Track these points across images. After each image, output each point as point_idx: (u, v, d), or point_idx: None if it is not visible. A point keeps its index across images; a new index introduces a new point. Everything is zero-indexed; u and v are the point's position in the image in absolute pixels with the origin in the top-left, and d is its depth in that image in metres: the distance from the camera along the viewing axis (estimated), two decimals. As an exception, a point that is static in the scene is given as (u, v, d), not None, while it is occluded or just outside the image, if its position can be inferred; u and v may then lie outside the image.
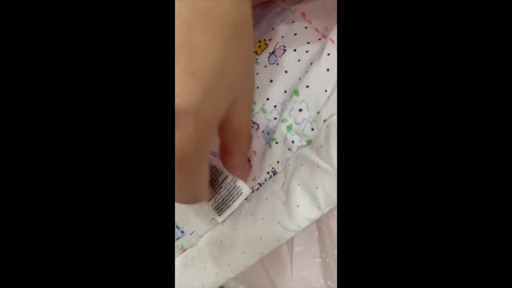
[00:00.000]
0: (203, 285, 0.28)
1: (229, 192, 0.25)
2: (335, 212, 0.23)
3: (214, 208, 0.26)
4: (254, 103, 0.25)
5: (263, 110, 0.25)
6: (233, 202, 0.25)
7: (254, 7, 0.30)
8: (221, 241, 0.27)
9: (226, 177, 0.25)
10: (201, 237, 0.29)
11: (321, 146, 0.22)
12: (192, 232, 0.29)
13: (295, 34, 0.25)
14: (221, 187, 0.25)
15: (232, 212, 0.27)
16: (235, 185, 0.25)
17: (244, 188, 0.24)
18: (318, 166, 0.21)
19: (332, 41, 0.23)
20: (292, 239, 0.26)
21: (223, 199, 0.26)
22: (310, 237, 0.25)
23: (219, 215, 0.26)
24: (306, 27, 0.25)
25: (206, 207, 0.28)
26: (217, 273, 0.27)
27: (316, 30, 0.25)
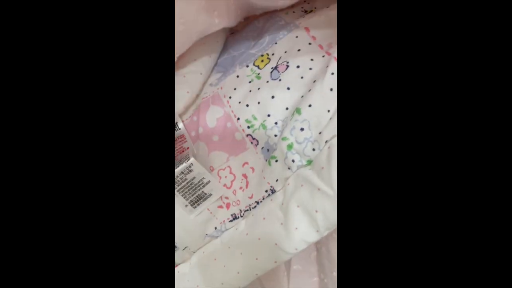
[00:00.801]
0: None
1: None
2: (335, 235, 0.23)
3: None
4: (255, 118, 0.25)
5: (263, 126, 0.24)
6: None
7: (257, 19, 0.30)
8: (215, 259, 0.26)
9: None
10: (194, 252, 0.28)
11: (322, 168, 0.21)
12: (185, 248, 0.28)
13: (299, 50, 0.25)
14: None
15: (227, 229, 0.26)
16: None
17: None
18: (318, 189, 0.21)
19: (336, 60, 0.22)
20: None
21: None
22: (308, 256, 0.25)
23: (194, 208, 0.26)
24: (310, 43, 0.25)
25: (198, 223, 0.27)
26: None
27: (320, 46, 0.24)
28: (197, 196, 0.25)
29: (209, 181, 0.25)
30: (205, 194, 0.25)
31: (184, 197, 0.25)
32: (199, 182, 0.25)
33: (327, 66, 0.22)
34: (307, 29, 0.25)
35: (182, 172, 0.24)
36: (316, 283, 0.26)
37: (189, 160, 0.24)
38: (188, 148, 0.26)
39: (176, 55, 0.26)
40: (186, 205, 0.26)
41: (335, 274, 0.23)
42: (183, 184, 0.25)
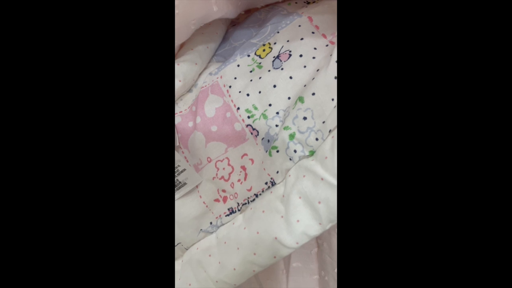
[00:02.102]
0: None
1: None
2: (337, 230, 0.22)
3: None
4: (256, 108, 0.24)
5: (264, 116, 0.23)
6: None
7: (259, 10, 0.29)
8: (209, 255, 0.25)
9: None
10: (187, 249, 0.27)
11: (326, 157, 0.20)
12: (178, 244, 0.27)
13: (302, 39, 0.24)
14: None
15: (223, 224, 0.25)
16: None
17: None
18: (322, 179, 0.20)
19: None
20: (289, 254, 0.24)
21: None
22: (309, 253, 0.24)
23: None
24: (313, 32, 0.24)
25: (192, 217, 0.26)
26: None
27: (324, 36, 0.24)
28: None
29: (184, 169, 0.24)
30: (179, 182, 0.24)
31: None
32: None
33: (331, 55, 0.22)
34: (310, 18, 0.25)
35: None
36: (316, 281, 0.25)
37: None
38: None
39: (178, 43, 0.26)
40: None
41: (336, 270, 0.22)
42: None
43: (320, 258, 0.24)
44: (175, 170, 0.24)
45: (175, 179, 0.24)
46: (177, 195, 0.25)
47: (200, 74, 0.27)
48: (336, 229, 0.22)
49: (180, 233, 0.26)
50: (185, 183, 0.24)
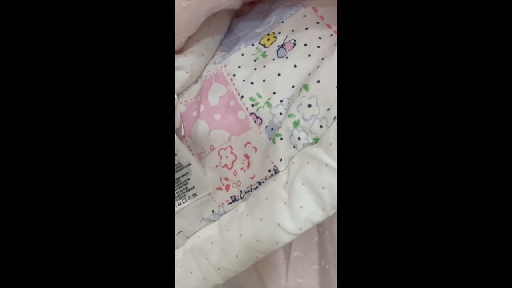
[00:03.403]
0: None
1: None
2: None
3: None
4: (260, 96, 0.24)
5: (268, 104, 0.24)
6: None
7: (263, 1, 0.30)
8: (211, 243, 0.25)
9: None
10: (188, 238, 0.27)
11: (330, 144, 0.20)
12: (179, 232, 0.27)
13: (306, 28, 0.24)
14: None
15: (225, 212, 0.25)
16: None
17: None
18: (326, 165, 0.20)
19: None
20: (290, 243, 0.24)
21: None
22: (310, 242, 0.24)
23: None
24: (317, 22, 0.24)
25: (194, 206, 0.26)
26: (204, 278, 0.25)
27: (328, 26, 0.24)
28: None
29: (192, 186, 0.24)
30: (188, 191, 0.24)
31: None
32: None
33: (335, 44, 0.22)
34: (314, 9, 0.25)
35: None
36: (316, 271, 0.25)
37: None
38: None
39: (185, 35, 0.26)
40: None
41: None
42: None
43: (321, 247, 0.24)
44: (184, 183, 0.24)
45: (185, 187, 0.24)
46: (187, 203, 0.25)
47: (206, 65, 0.27)
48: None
49: (182, 222, 0.26)
50: (195, 194, 0.24)
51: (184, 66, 0.26)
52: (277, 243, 0.22)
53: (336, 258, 0.22)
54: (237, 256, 0.23)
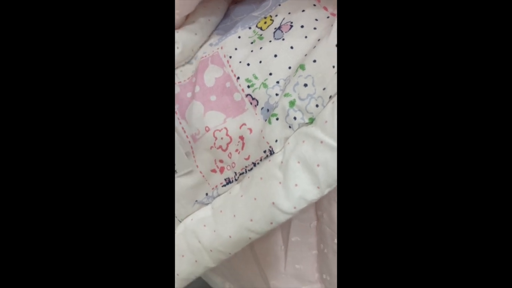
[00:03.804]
0: (177, 274, 0.25)
1: None
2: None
3: None
4: (256, 77, 0.24)
5: (264, 85, 0.23)
6: None
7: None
8: (204, 225, 0.24)
9: None
10: (181, 221, 0.26)
11: (326, 121, 0.20)
12: None
13: (303, 11, 0.24)
14: None
15: (219, 195, 0.25)
16: None
17: None
18: (321, 142, 0.20)
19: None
20: (288, 228, 0.24)
21: None
22: (308, 226, 0.23)
23: None
24: (314, 5, 0.24)
25: (187, 188, 0.26)
26: (195, 261, 0.25)
27: (325, 8, 0.24)
28: None
29: None
30: None
31: None
32: None
33: (332, 25, 0.22)
34: (312, -8, 0.25)
35: None
36: (315, 257, 0.24)
37: None
38: None
39: (179, 12, 0.26)
40: None
41: (336, 241, 0.22)
42: None
43: (320, 231, 0.23)
44: None
45: None
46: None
47: (200, 47, 0.27)
48: (336, 199, 0.22)
49: (175, 205, 0.26)
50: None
51: (176, 41, 0.26)
52: (271, 223, 0.22)
53: (334, 241, 0.22)
54: (230, 237, 0.23)
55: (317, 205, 0.23)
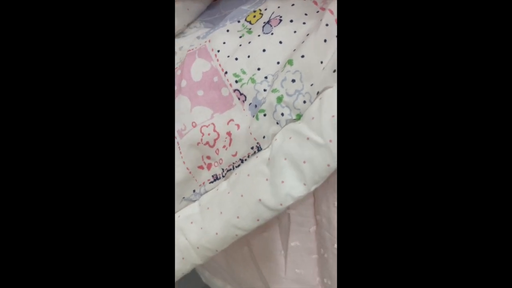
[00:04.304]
0: None
1: None
2: (336, 203, 0.21)
3: None
4: (244, 72, 0.23)
5: (252, 80, 0.23)
6: None
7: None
8: (191, 222, 0.24)
9: None
10: None
11: (312, 118, 0.20)
12: None
13: (293, 5, 0.24)
14: None
15: (206, 192, 0.25)
16: None
17: None
18: (308, 138, 0.20)
19: (331, 12, 0.21)
20: (287, 233, 0.24)
21: None
22: (307, 231, 0.23)
23: None
24: (304, -1, 0.24)
25: (176, 186, 0.25)
26: (182, 258, 0.24)
27: (315, 2, 0.24)
28: None
29: None
30: None
31: None
32: None
33: (321, 20, 0.22)
34: (302, -14, 0.25)
35: None
36: (315, 261, 0.24)
37: None
38: None
39: None
40: None
41: (336, 246, 0.22)
42: None
43: (319, 236, 0.23)
44: None
45: None
46: None
47: (176, 35, 0.27)
48: (335, 203, 0.22)
49: None
50: None
51: None
52: (258, 220, 0.21)
53: (334, 246, 0.22)
54: (216, 234, 0.22)
55: (316, 209, 0.23)
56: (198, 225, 0.23)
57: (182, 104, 0.24)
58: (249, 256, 0.26)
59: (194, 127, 0.24)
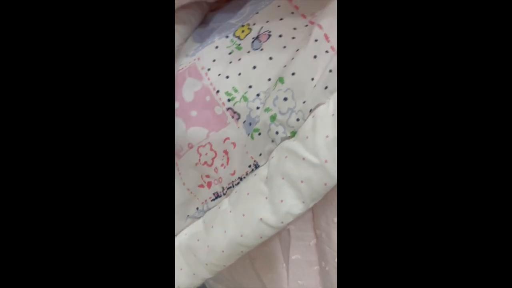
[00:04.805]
0: (178, 286, 0.26)
1: None
2: (335, 220, 0.22)
3: None
4: (236, 90, 0.23)
5: (245, 98, 0.23)
6: None
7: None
8: (198, 240, 0.25)
9: None
10: (176, 235, 0.27)
11: (307, 137, 0.20)
12: None
13: (281, 19, 0.24)
14: None
15: (210, 209, 0.25)
16: None
17: None
18: (303, 159, 0.20)
19: (320, 27, 0.21)
20: (288, 247, 0.24)
21: None
22: (308, 245, 0.24)
23: None
24: (292, 12, 0.24)
25: (178, 204, 0.26)
26: (193, 274, 0.25)
27: (303, 16, 0.23)
28: None
29: None
30: None
31: None
32: None
33: (310, 34, 0.22)
34: (289, -2, 0.24)
35: None
36: (317, 272, 0.24)
37: None
38: None
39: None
40: None
41: (337, 260, 0.22)
42: None
43: (320, 249, 0.23)
44: None
45: None
46: None
47: (177, 57, 0.27)
48: (334, 219, 0.22)
49: None
50: None
51: None
52: (261, 237, 0.22)
53: (335, 260, 0.22)
54: (223, 251, 0.23)
55: (315, 224, 0.23)
56: (205, 243, 0.24)
57: (177, 127, 0.25)
58: (251, 268, 0.26)
59: (190, 148, 0.25)
